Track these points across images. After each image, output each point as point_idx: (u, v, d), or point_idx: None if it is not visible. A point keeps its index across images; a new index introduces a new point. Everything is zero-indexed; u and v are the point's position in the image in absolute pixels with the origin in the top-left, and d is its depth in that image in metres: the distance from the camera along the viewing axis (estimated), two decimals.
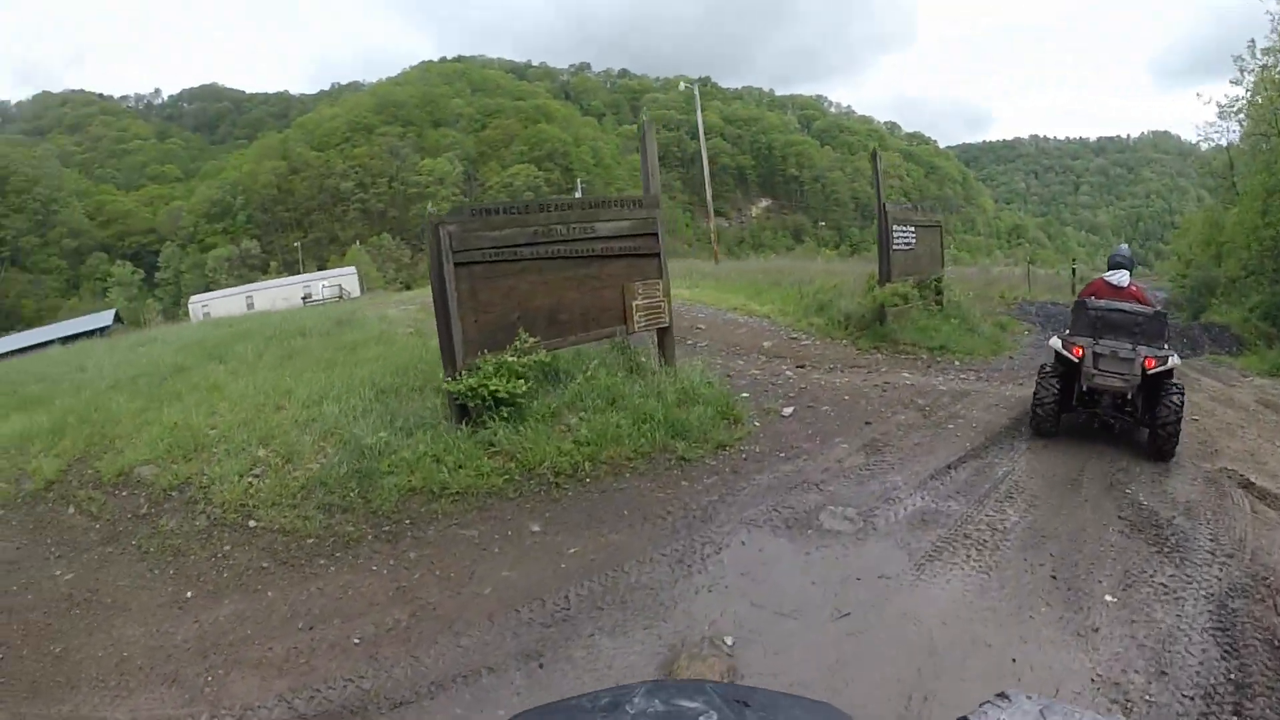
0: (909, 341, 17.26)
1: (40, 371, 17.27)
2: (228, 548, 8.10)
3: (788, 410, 12.05)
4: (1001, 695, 1.90)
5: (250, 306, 61.32)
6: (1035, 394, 10.24)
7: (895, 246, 17.84)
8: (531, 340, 10.13)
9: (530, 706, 1.75)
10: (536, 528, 8.16)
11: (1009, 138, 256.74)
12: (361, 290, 70.10)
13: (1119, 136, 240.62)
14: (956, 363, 16.52)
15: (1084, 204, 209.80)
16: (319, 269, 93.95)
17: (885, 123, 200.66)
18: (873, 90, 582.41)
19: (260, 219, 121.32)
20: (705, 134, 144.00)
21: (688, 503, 8.68)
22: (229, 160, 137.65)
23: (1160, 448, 9.35)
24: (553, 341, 10.68)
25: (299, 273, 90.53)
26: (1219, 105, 26.55)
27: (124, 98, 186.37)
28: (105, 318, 72.83)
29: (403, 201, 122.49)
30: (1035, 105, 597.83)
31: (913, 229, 18.51)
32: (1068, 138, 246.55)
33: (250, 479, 9.24)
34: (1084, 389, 9.88)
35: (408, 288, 73.87)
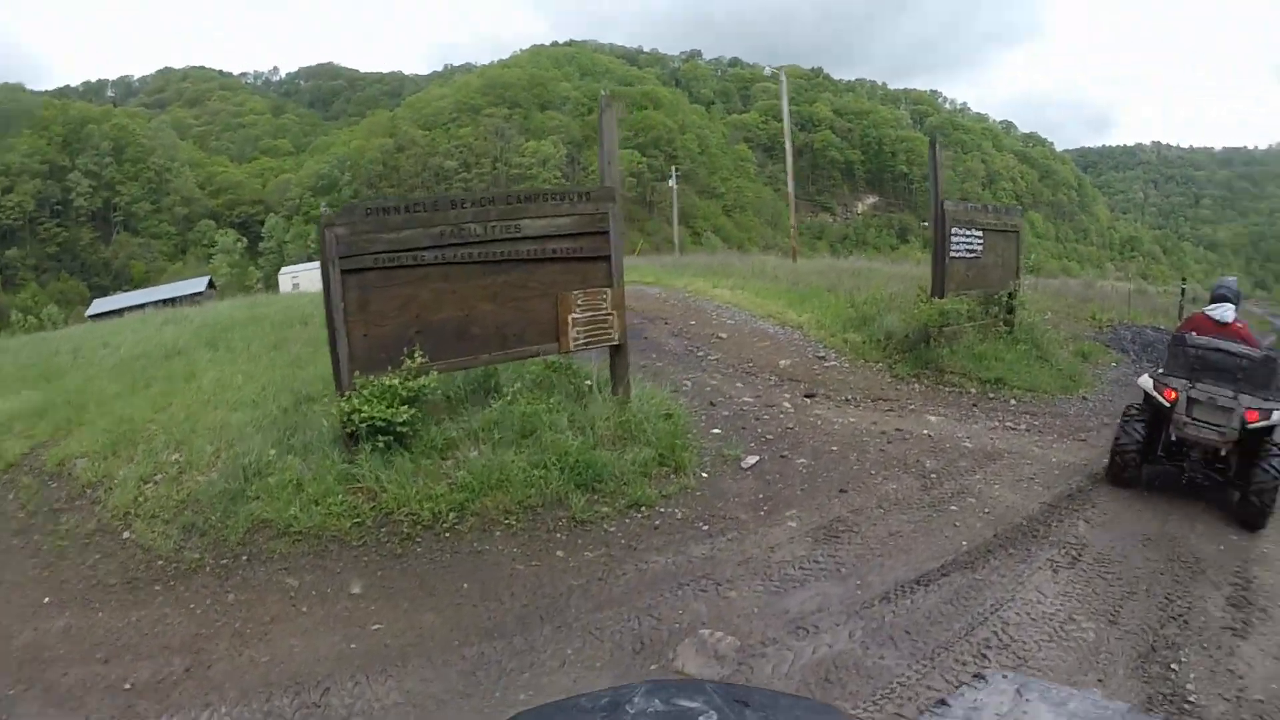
0: (957, 370, 14.28)
1: (74, 346, 16.75)
2: (97, 557, 7.67)
3: (750, 460, 9.49)
4: (978, 676, 2.06)
5: (296, 286, 59.89)
6: (1116, 438, 8.89)
7: (954, 253, 14.81)
8: (422, 359, 8.44)
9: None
10: (358, 589, 6.97)
11: (1130, 143, 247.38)
12: None
13: (1246, 147, 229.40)
14: (1012, 402, 13.52)
15: (1204, 218, 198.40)
16: None
17: (1000, 121, 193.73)
18: (990, 87, 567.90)
19: (365, 194, 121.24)
20: (814, 126, 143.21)
21: (545, 584, 7.02)
22: (339, 136, 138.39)
23: (1250, 516, 8.04)
24: (460, 360, 9.03)
25: None
26: None
27: (243, 74, 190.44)
28: (199, 284, 73.88)
29: (505, 181, 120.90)
30: (1159, 110, 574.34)
31: (980, 233, 15.36)
32: (1191, 146, 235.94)
33: (148, 485, 8.57)
34: (1173, 438, 8.64)
35: None
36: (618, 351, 9.87)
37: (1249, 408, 7.95)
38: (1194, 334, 8.95)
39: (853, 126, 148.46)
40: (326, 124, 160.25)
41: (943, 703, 1.94)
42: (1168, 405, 8.40)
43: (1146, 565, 7.38)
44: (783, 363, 14.44)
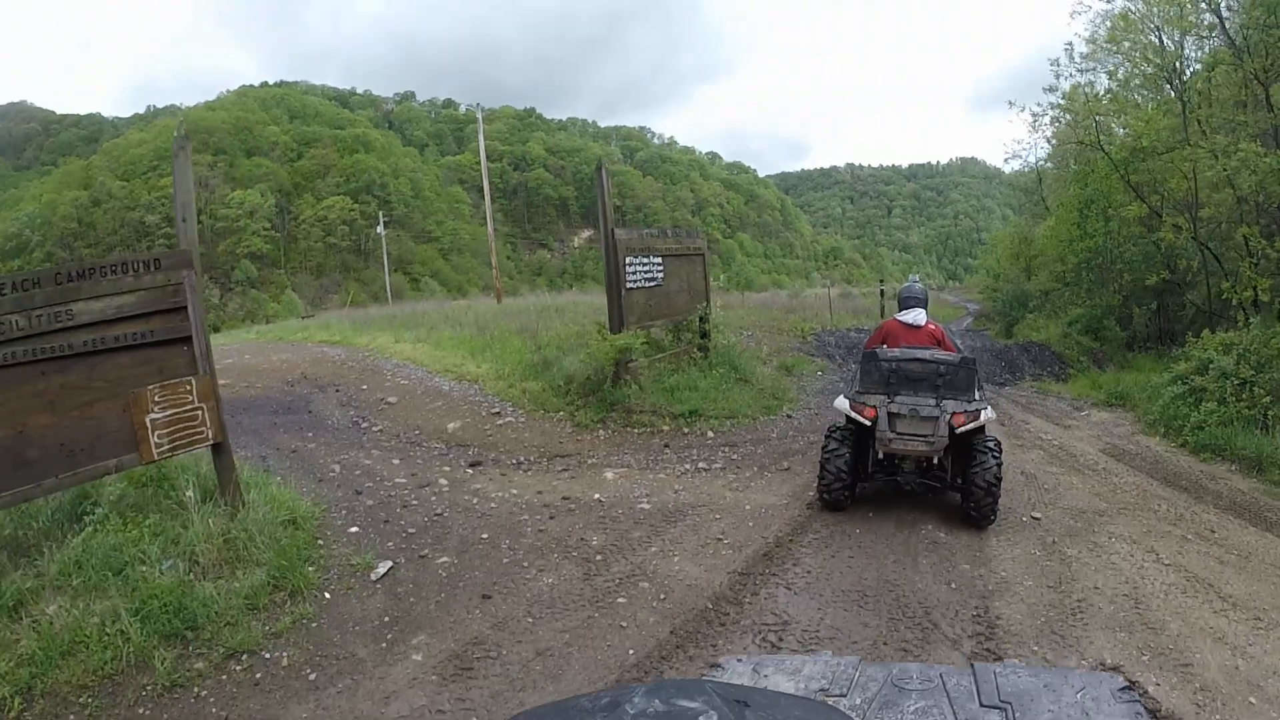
0: (647, 408, 12.69)
1: None
2: None
3: (382, 568, 7.26)
4: (714, 665, 2.11)
5: None
6: (822, 466, 8.17)
7: (631, 283, 13.27)
8: None
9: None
10: None
11: (826, 165, 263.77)
12: None
13: (929, 162, 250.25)
14: (709, 435, 12.06)
15: (897, 225, 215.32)
16: None
17: (706, 153, 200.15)
18: (696, 121, 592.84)
19: (59, 256, 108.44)
20: (529, 165, 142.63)
21: None
22: (29, 189, 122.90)
23: (976, 515, 7.82)
24: (15, 493, 6.35)
25: None
26: (1033, 113, 24.35)
27: None
28: None
29: (211, 237, 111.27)
30: (852, 134, 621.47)
31: (659, 260, 13.93)
32: (881, 165, 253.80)
33: None
34: (880, 455, 8.08)
35: (216, 330, 67.78)
36: (218, 452, 7.52)
37: (954, 413, 7.61)
38: (885, 346, 8.49)
39: (565, 164, 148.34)
40: (16, 174, 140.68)
41: None
42: (869, 424, 7.83)
43: (865, 634, 5.94)
44: (452, 426, 12.51)
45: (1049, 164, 35.70)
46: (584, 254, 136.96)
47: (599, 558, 7.46)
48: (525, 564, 7.36)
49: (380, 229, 68.37)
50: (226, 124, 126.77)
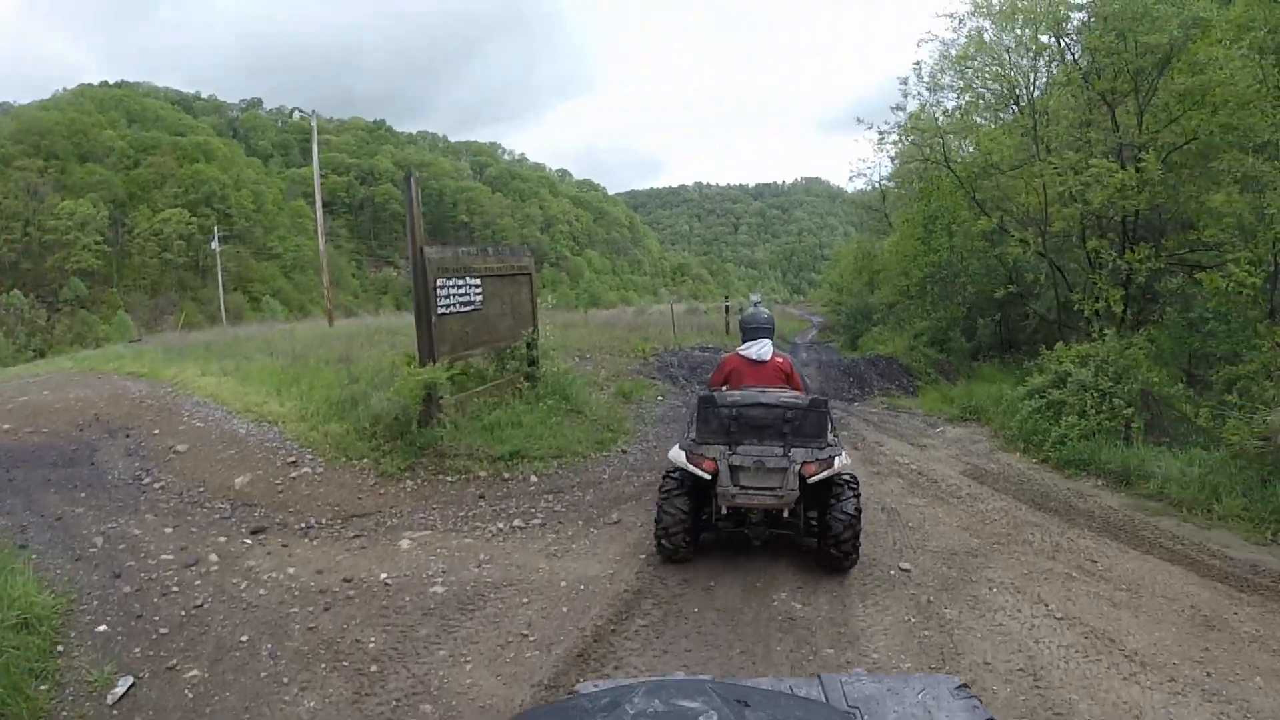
0: (463, 452, 11.03)
1: None
2: None
3: (121, 688, 5.64)
4: (572, 693, 2.13)
5: None
6: (658, 520, 7.19)
7: (445, 308, 11.60)
8: None
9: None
10: None
11: (675, 184, 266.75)
12: None
13: (775, 182, 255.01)
14: (533, 479, 10.54)
15: (743, 242, 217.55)
16: None
17: (557, 170, 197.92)
18: (550, 138, 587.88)
19: None
20: (376, 179, 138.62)
21: None
22: None
23: (834, 562, 7.02)
24: None
25: None
26: (879, 131, 23.67)
27: None
28: None
29: (39, 250, 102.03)
30: (703, 154, 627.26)
31: (477, 281, 12.30)
32: (729, 184, 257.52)
33: None
34: (723, 511, 7.00)
35: (41, 355, 62.09)
36: None
37: (804, 462, 6.76)
38: (725, 389, 7.69)
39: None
40: None
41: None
42: (708, 477, 6.86)
43: None
44: (240, 481, 10.62)
45: (891, 183, 34.90)
46: None
47: (374, 668, 5.82)
48: (286, 679, 5.68)
49: (215, 245, 63.61)
50: (61, 126, 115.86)
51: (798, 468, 6.75)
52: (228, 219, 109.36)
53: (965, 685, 2.00)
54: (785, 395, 7.28)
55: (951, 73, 21.04)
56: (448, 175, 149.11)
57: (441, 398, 11.34)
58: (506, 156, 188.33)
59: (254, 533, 8.81)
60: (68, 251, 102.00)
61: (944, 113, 21.87)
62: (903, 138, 23.47)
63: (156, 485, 10.65)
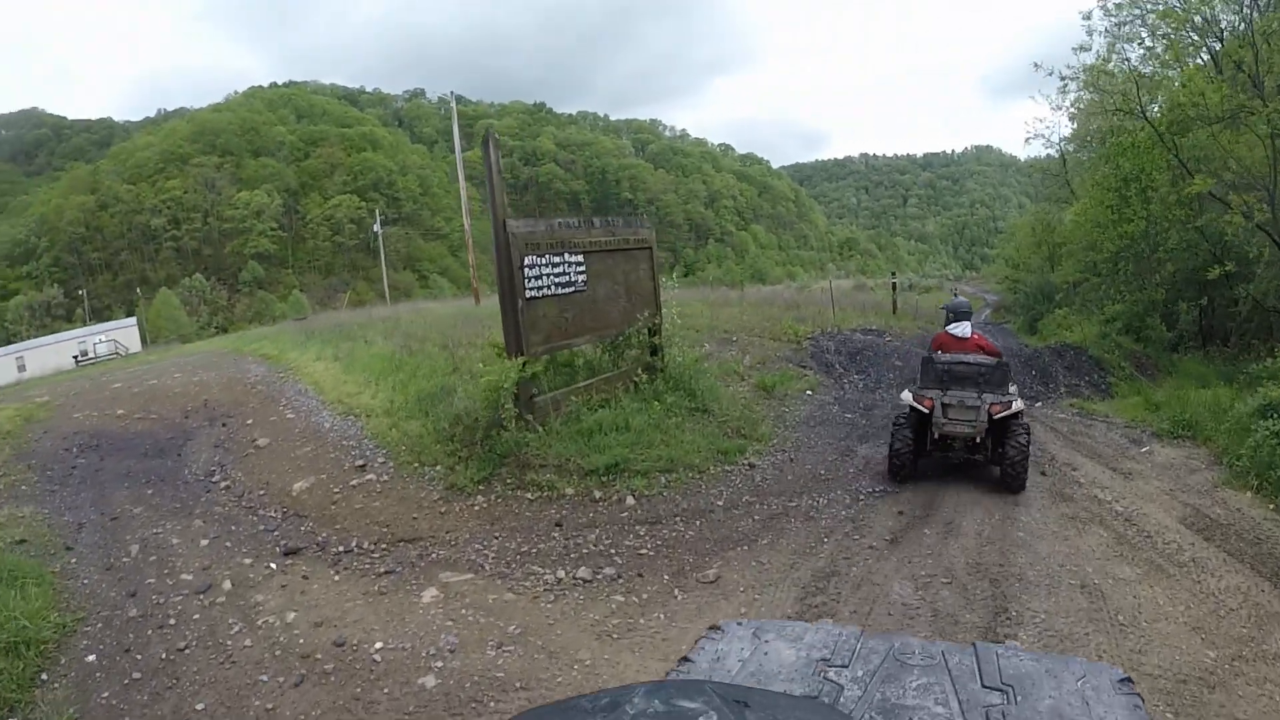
0: (552, 461, 9.13)
1: None
2: None
3: None
4: (714, 628, 2.11)
5: (22, 369, 51.82)
6: (891, 444, 9.42)
7: (535, 290, 9.71)
8: None
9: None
10: None
11: (840, 156, 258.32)
12: (144, 344, 61.29)
13: (945, 151, 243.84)
14: (630, 500, 8.58)
15: (912, 215, 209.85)
16: (127, 315, 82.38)
17: (719, 144, 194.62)
18: (709, 113, 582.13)
19: (67, 260, 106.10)
20: (539, 160, 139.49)
21: None
22: (38, 195, 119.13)
23: (1011, 482, 9.05)
24: None
25: (107, 319, 79.37)
26: (1061, 76, 20.90)
27: None
28: None
29: (218, 238, 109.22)
30: (867, 124, 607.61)
31: (579, 258, 10.34)
32: (896, 154, 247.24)
33: None
34: (936, 436, 9.34)
35: (223, 330, 65.23)
36: None
37: (992, 403, 9.03)
38: (940, 352, 9.75)
39: (576, 158, 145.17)
40: (29, 180, 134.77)
41: (685, 659, 1.96)
42: (926, 412, 9.18)
43: None
44: (299, 486, 9.56)
45: (1072, 146, 32.51)
46: None
47: None
48: None
49: (377, 228, 64.30)
50: (233, 125, 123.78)
51: (987, 407, 8.99)
52: (395, 203, 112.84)
53: (1129, 679, 1.86)
54: (980, 357, 9.52)
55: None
56: (609, 153, 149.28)
57: (533, 395, 9.52)
58: (667, 133, 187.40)
59: (287, 554, 7.84)
60: (245, 238, 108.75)
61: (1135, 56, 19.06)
62: (1087, 86, 20.99)
63: (222, 485, 10.08)
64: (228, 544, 8.16)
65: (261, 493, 9.59)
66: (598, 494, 8.66)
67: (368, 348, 16.36)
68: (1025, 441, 9.06)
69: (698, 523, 8.02)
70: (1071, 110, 26.01)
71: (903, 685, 1.78)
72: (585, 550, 7.45)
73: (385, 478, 9.44)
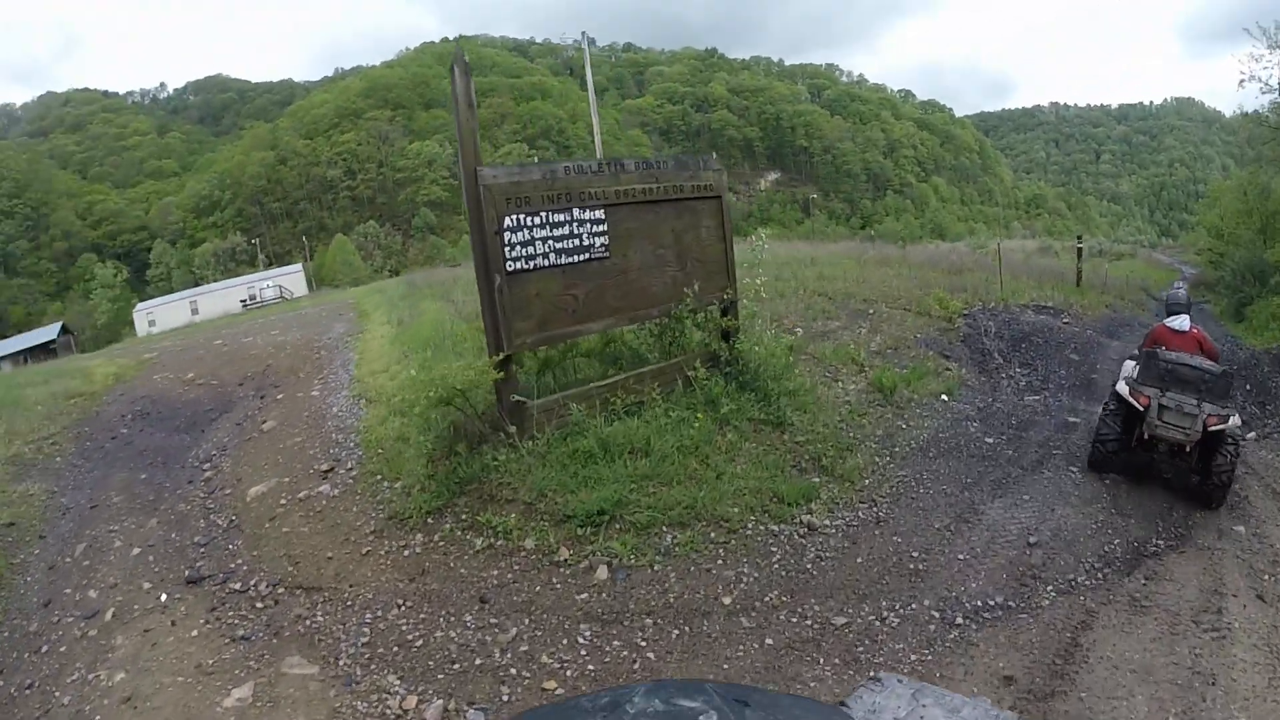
0: (522, 495, 6.51)
1: None
2: None
3: None
4: (874, 679, 2.05)
5: (195, 312, 54.68)
6: (1098, 430, 9.05)
7: (522, 262, 7.05)
8: None
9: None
10: None
11: (1028, 105, 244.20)
12: (311, 288, 62.56)
13: (1141, 103, 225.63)
14: (601, 575, 5.90)
15: (1105, 173, 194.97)
16: (308, 259, 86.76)
17: (899, 90, 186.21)
18: (887, 58, 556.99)
19: (249, 211, 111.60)
20: (711, 106, 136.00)
21: None
22: (223, 153, 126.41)
23: (1211, 496, 8.32)
24: None
25: (286, 264, 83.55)
26: None
27: (129, 93, 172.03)
28: (50, 332, 63.12)
29: (391, 187, 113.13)
30: (1057, 72, 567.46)
31: (597, 213, 7.47)
32: (1089, 105, 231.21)
33: None
34: (1145, 435, 8.63)
35: (395, 273, 66.31)
36: None
37: (1210, 414, 8.19)
38: (1163, 348, 8.94)
39: (749, 104, 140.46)
40: (216, 139, 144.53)
41: (842, 704, 1.94)
42: (1141, 410, 8.48)
43: None
44: (255, 491, 8.06)
45: None
46: (770, 197, 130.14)
47: None
48: None
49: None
50: (404, 80, 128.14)
51: (1204, 417, 8.14)
52: (566, 150, 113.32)
53: None
54: (1206, 363, 8.58)
55: None
56: (783, 99, 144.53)
57: (518, 401, 6.74)
58: (844, 79, 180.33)
59: (189, 582, 6.61)
60: (418, 186, 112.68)
61: None
62: None
63: (206, 475, 8.92)
64: (150, 559, 7.08)
65: (228, 492, 8.24)
66: (564, 554, 5.95)
67: (428, 314, 14.46)
68: (1233, 455, 8.43)
69: (674, 633, 5.20)
70: None
71: None
72: (484, 659, 5.02)
73: (337, 491, 7.44)
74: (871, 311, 14.05)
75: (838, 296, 14.55)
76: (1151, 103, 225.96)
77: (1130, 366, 9.15)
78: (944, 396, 10.39)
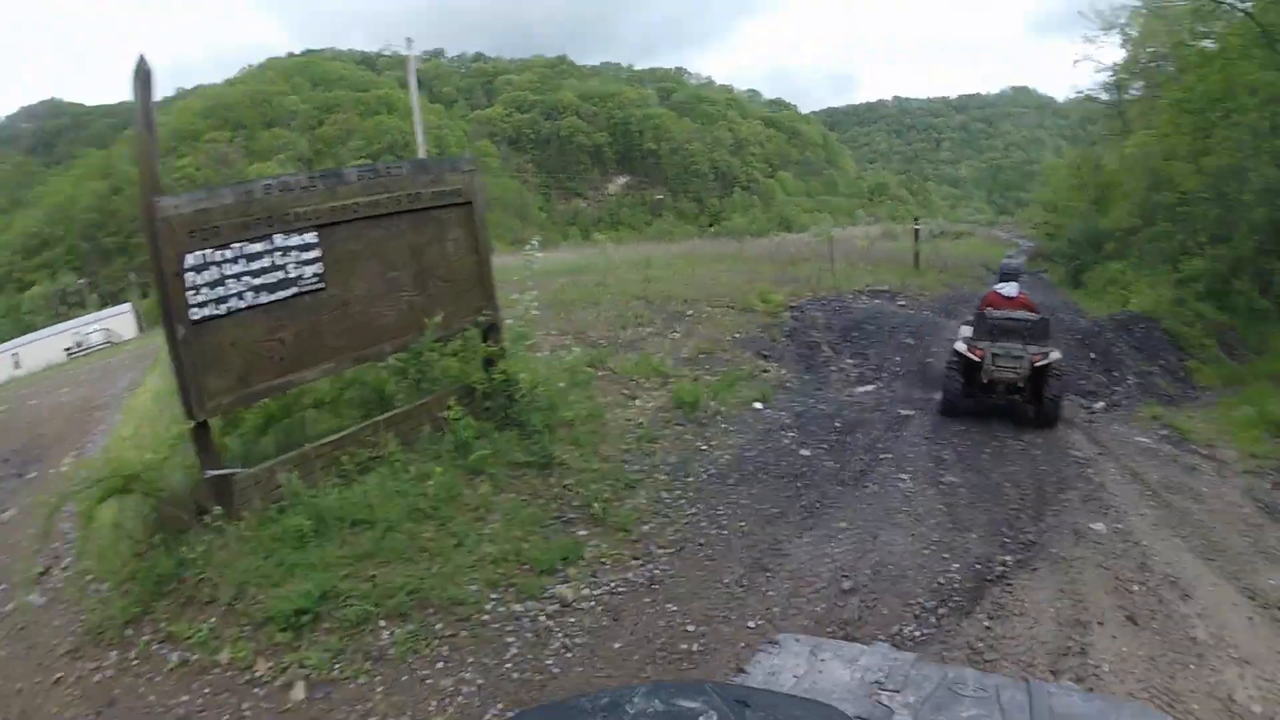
0: (223, 594, 5.21)
1: None
2: None
3: None
4: (772, 642, 2.13)
5: (17, 366, 48.84)
6: (944, 385, 10.40)
7: (212, 306, 5.66)
8: None
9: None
10: None
11: (872, 100, 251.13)
12: (141, 329, 58.07)
13: (979, 93, 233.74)
14: (297, 692, 4.56)
15: (945, 159, 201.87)
16: (139, 298, 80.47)
17: (746, 90, 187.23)
18: (739, 59, 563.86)
19: (81, 248, 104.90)
20: (560, 113, 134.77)
21: None
22: (52, 185, 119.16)
23: (1046, 420, 9.83)
24: None
25: (121, 304, 77.83)
26: None
27: None
28: None
29: None
30: (899, 67, 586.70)
31: (309, 236, 6.12)
32: (929, 97, 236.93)
33: None
34: (984, 381, 10.08)
35: None
36: None
37: (1035, 353, 9.71)
38: (991, 309, 10.43)
39: (598, 110, 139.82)
40: (48, 170, 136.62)
41: (741, 670, 1.98)
42: (978, 360, 9.84)
43: None
44: None
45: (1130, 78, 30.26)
46: (620, 201, 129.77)
47: None
48: None
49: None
50: (245, 98, 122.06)
51: (1030, 357, 9.69)
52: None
53: None
54: (1027, 315, 10.21)
55: None
56: (633, 104, 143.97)
57: (225, 474, 5.49)
58: (693, 81, 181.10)
59: None
60: None
61: None
62: None
63: None
64: None
65: None
66: (260, 668, 4.69)
67: None
68: (1060, 384, 10.01)
69: None
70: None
71: (953, 715, 1.75)
72: None
73: (45, 600, 6.02)
74: (690, 313, 13.20)
75: (658, 299, 13.63)
76: (989, 92, 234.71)
77: (965, 329, 10.52)
78: (757, 404, 9.58)
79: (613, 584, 5.50)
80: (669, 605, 5.28)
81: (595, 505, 6.32)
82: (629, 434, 7.82)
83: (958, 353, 10.24)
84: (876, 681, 1.90)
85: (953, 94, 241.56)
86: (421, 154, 29.94)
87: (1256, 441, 8.63)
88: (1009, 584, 5.59)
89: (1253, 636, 5.01)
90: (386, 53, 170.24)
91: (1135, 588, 5.50)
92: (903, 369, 12.13)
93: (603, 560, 5.74)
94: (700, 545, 6.05)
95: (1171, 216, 18.04)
